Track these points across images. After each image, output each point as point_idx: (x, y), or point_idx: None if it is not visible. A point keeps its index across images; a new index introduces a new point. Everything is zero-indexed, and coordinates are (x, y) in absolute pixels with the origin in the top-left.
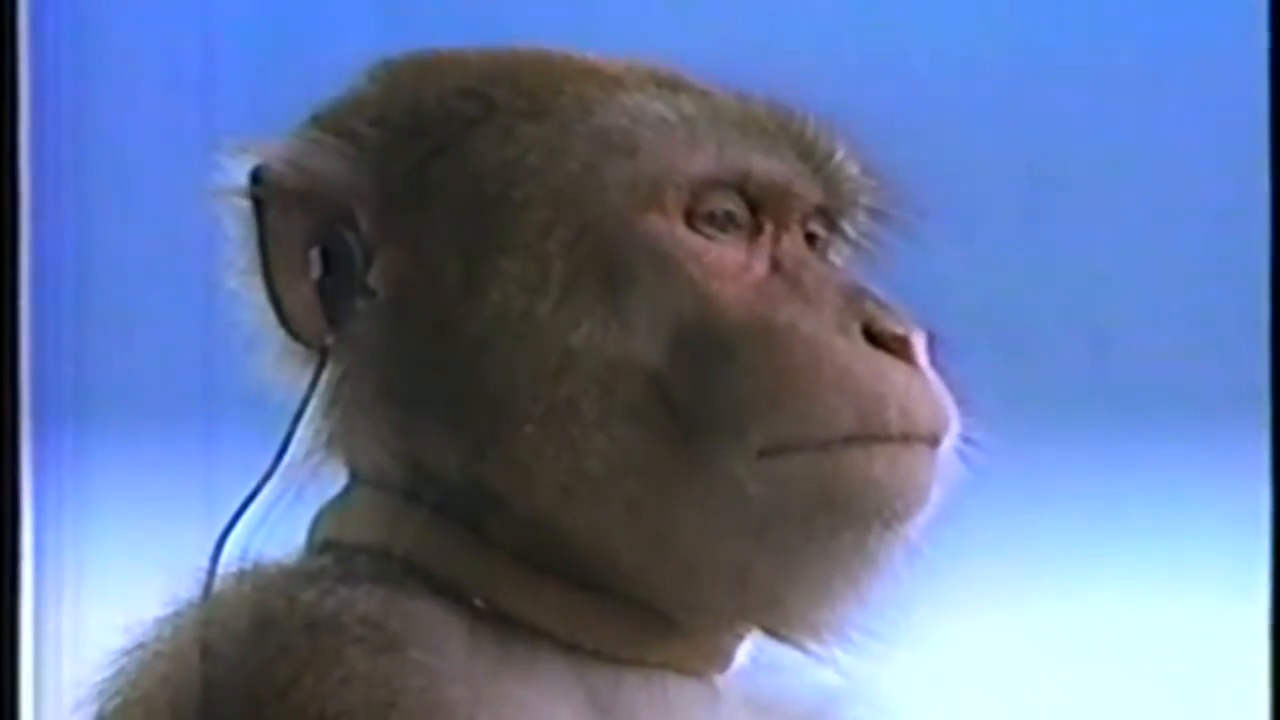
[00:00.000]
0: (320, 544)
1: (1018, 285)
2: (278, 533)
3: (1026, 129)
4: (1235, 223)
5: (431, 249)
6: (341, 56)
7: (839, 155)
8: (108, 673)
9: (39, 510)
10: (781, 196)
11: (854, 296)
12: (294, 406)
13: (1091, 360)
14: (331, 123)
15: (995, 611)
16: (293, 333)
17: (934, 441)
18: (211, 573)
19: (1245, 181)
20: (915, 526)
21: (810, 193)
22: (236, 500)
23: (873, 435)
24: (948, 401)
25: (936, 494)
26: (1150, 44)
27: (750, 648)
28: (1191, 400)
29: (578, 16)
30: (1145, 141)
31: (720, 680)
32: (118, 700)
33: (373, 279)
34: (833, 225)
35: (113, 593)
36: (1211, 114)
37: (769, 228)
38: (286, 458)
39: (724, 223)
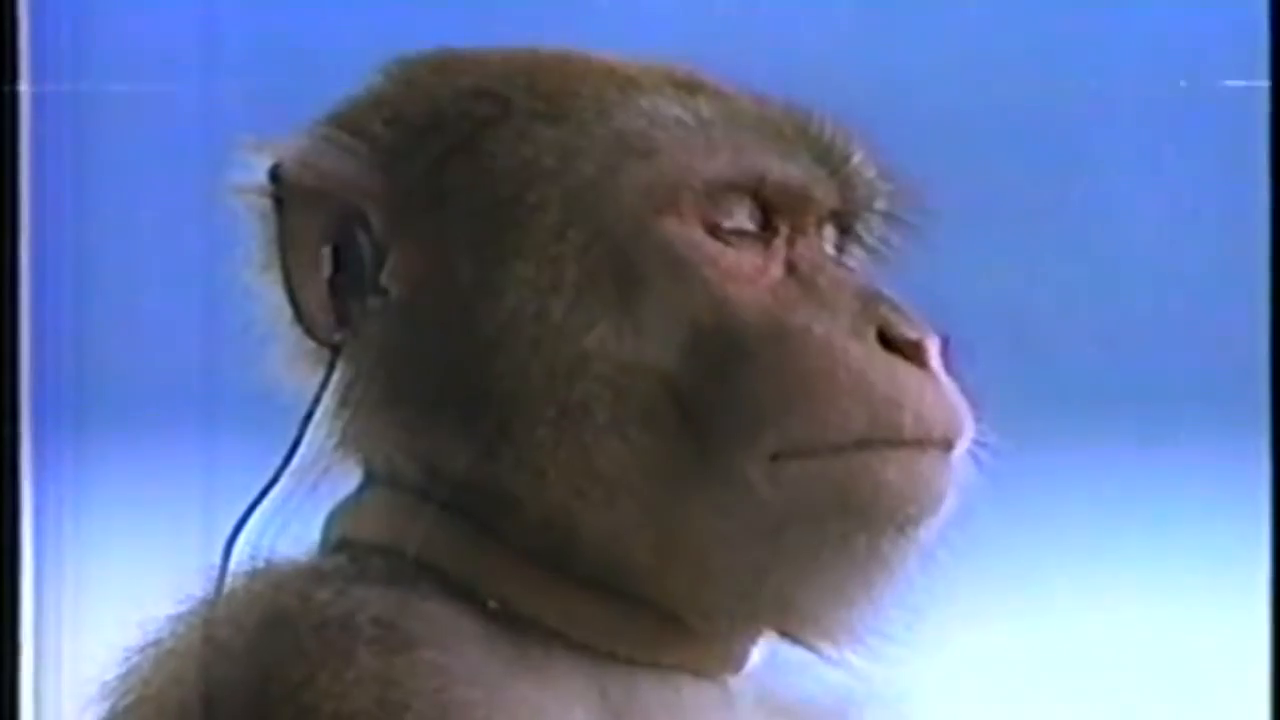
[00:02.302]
0: (334, 543)
1: (1030, 290)
2: (291, 531)
3: (1038, 134)
4: (1240, 224)
5: (445, 249)
6: (343, 57)
7: (856, 159)
8: (120, 670)
9: (39, 510)
10: (798, 200)
11: (869, 301)
12: (304, 406)
13: (1104, 365)
14: (346, 121)
15: (1007, 614)
16: (308, 331)
17: (948, 446)
18: (223, 571)
19: (1248, 183)
20: (929, 531)
21: (827, 196)
22: (237, 501)
23: (886, 440)
24: (962, 406)
25: (950, 499)
26: (1153, 45)
27: (764, 650)
28: (1203, 402)
29: (593, 18)
30: (1151, 144)
31: (734, 682)
32: (130, 698)
33: (385, 278)
34: (848, 229)
35: (113, 593)
36: (1213, 114)
37: (785, 231)
38: (297, 457)
39: (740, 229)
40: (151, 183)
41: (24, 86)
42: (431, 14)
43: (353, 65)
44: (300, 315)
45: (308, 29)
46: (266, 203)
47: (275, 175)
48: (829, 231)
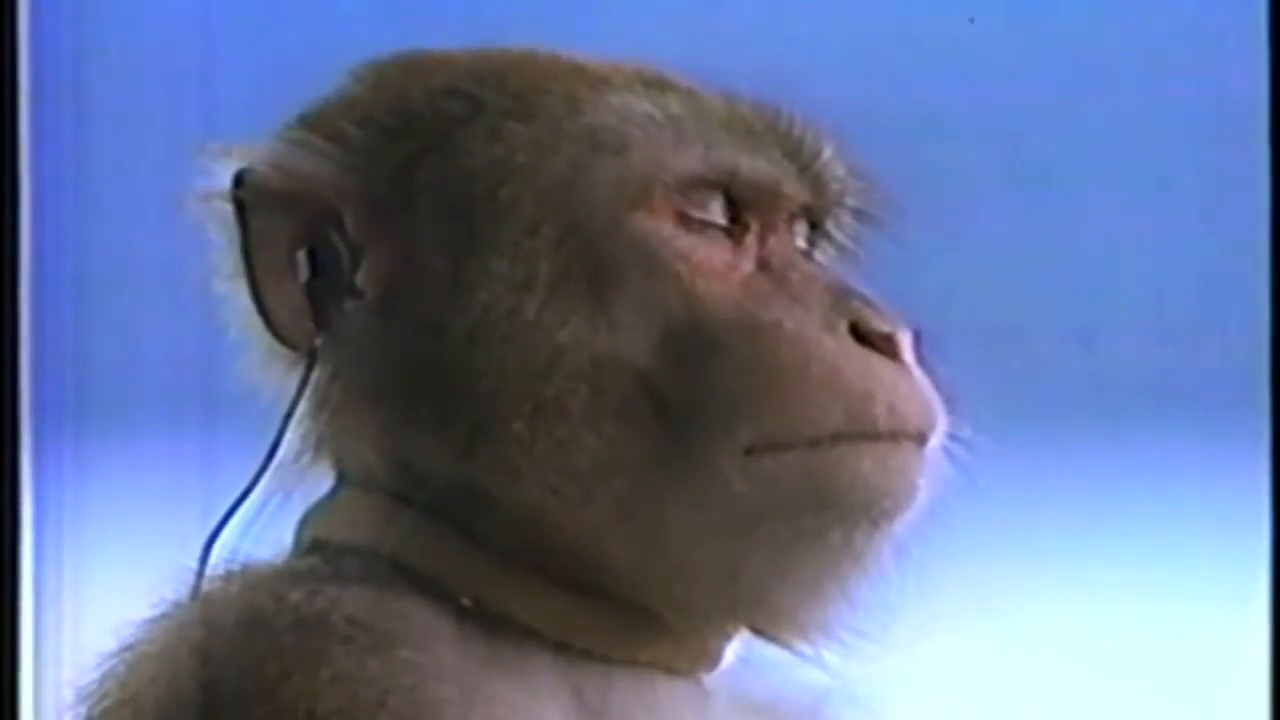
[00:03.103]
0: (308, 544)
1: (1005, 283)
2: (268, 534)
3: (1014, 127)
4: (1228, 221)
5: (419, 249)
6: (341, 57)
7: (826, 155)
8: (96, 675)
9: (39, 510)
10: (769, 196)
11: (841, 295)
12: (284, 408)
13: (1080, 358)
14: (317, 124)
15: (984, 611)
16: (279, 336)
17: (922, 440)
18: (200, 574)
19: (1240, 179)
20: (903, 525)
21: (797, 193)
22: None
23: (861, 433)
24: (935, 400)
25: (924, 493)
26: (1143, 40)
27: (739, 647)
28: (1183, 399)
29: (564, 17)
30: (1137, 138)
31: (709, 680)
32: (106, 702)
33: (360, 279)
34: (819, 225)
35: (112, 593)
36: (1207, 109)
37: (756, 227)
38: (276, 459)
39: (712, 224)
40: (151, 183)
41: (24, 86)
42: (430, 13)
43: (351, 65)
44: (270, 322)
45: (308, 29)
46: (233, 209)
47: (242, 180)
48: (800, 228)
